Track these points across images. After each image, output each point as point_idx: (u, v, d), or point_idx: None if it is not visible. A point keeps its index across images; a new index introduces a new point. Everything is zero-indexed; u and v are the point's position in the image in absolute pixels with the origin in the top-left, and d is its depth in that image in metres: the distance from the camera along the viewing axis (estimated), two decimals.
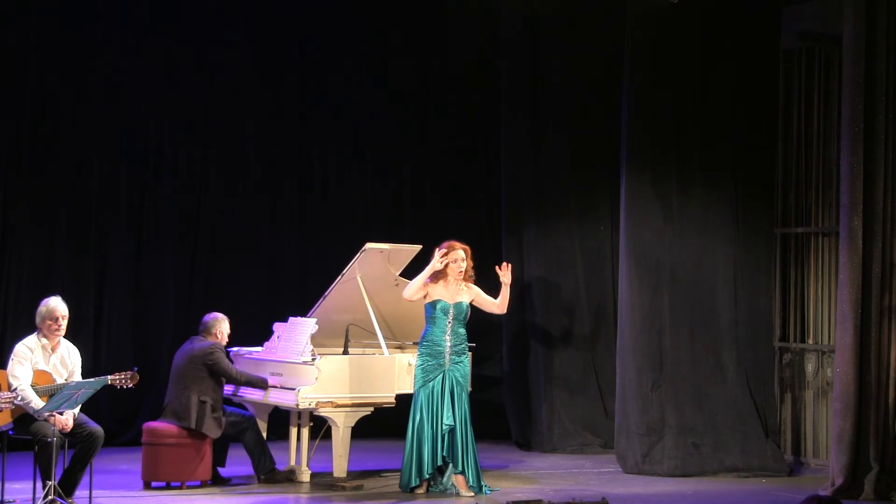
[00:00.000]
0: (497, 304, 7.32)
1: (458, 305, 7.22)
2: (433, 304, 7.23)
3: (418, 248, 7.97)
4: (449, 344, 7.17)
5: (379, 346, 7.72)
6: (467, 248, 7.23)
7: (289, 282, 9.96)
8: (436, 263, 7.14)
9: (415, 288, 7.21)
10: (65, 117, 9.24)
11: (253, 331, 8.43)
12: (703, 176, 8.58)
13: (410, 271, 7.75)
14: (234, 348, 7.95)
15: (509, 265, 7.31)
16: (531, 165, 9.74)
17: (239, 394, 7.82)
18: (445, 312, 7.19)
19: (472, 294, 7.30)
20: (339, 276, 7.84)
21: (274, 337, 7.94)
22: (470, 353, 7.41)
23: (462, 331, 7.25)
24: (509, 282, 7.25)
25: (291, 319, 7.85)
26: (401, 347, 8.21)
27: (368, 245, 7.75)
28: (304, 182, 10.15)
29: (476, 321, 7.67)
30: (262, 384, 7.63)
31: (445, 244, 7.23)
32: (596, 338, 9.63)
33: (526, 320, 9.69)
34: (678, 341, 8.47)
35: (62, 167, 9.26)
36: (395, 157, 10.40)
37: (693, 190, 8.58)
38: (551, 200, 9.69)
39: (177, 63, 9.61)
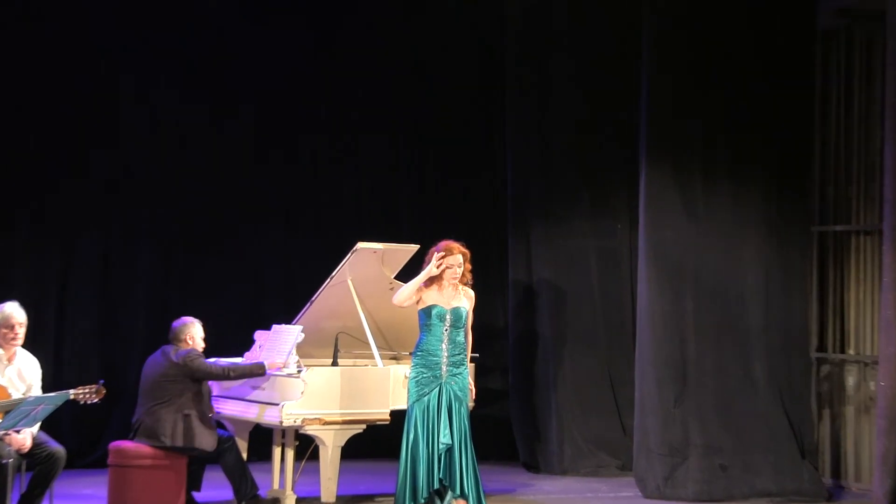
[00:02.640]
0: (466, 331, 7.26)
1: (455, 311, 7.16)
2: (427, 311, 7.16)
3: (415, 248, 7.96)
4: (446, 354, 7.12)
5: (372, 357, 7.72)
6: (466, 251, 7.19)
7: (272, 285, 9.98)
8: (432, 268, 7.10)
9: (407, 293, 7.15)
10: (25, 110, 9.34)
11: (233, 339, 8.45)
12: (731, 168, 8.58)
13: (406, 273, 7.73)
14: (212, 359, 7.89)
15: None
16: (539, 157, 9.78)
17: (217, 409, 7.84)
18: (442, 319, 7.14)
19: (470, 300, 7.26)
20: (328, 279, 7.82)
21: (255, 346, 7.95)
22: (471, 365, 7.39)
23: (460, 339, 7.18)
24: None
25: (275, 327, 7.84)
26: (396, 358, 8.19)
27: (360, 245, 7.74)
28: (291, 175, 10.17)
29: (478, 328, 7.63)
30: (259, 370, 7.57)
31: (442, 245, 7.18)
32: (612, 347, 9.64)
33: (534, 328, 9.70)
34: (703, 351, 8.48)
35: (18, 156, 9.29)
36: (391, 149, 10.46)
37: (720, 183, 8.58)
38: (562, 196, 9.71)
39: (151, 52, 9.73)
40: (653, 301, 8.53)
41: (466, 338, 7.24)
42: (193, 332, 7.58)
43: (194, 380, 7.44)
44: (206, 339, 7.68)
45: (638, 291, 8.82)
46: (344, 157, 10.37)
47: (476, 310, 7.30)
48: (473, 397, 7.35)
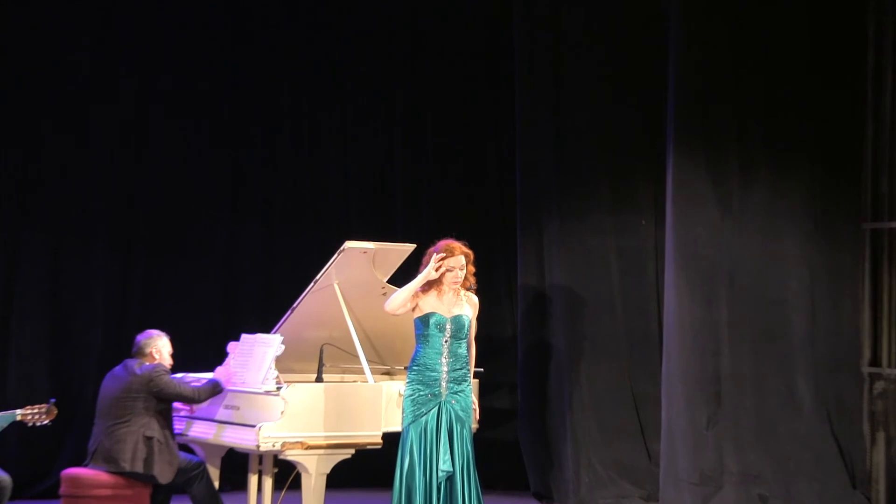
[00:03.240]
0: (469, 343, 7.26)
1: (456, 319, 7.11)
2: (425, 319, 7.12)
3: (411, 247, 7.95)
4: (446, 368, 7.08)
5: (361, 372, 7.71)
6: (469, 251, 7.17)
7: (248, 290, 9.95)
8: (430, 271, 7.07)
9: (402, 299, 7.11)
10: None
11: (202, 352, 8.44)
12: (771, 156, 8.57)
13: (401, 277, 7.69)
14: (179, 374, 7.94)
15: None
16: (553, 145, 9.76)
17: (188, 433, 7.86)
18: (441, 328, 7.09)
19: (473, 307, 7.23)
20: (312, 283, 7.82)
21: (228, 359, 7.92)
22: (475, 381, 7.36)
23: (462, 352, 7.13)
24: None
25: (250, 337, 7.85)
26: (389, 373, 8.17)
27: (349, 244, 7.72)
28: (269, 165, 10.17)
29: (482, 339, 7.62)
30: (217, 389, 7.62)
31: (442, 245, 7.15)
32: (636, 361, 9.61)
33: (547, 339, 9.67)
34: (740, 365, 8.46)
35: None
36: (384, 135, 10.43)
37: (759, 174, 8.57)
38: (578, 188, 9.69)
39: (109, 39, 9.80)
40: (682, 308, 8.49)
41: (469, 350, 7.21)
42: (160, 346, 7.62)
43: (160, 399, 7.46)
44: (172, 354, 7.71)
45: (665, 297, 8.79)
46: (330, 144, 10.38)
47: (480, 318, 7.28)
48: (477, 418, 7.34)
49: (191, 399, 7.59)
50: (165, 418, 7.51)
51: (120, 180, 9.77)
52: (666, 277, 8.72)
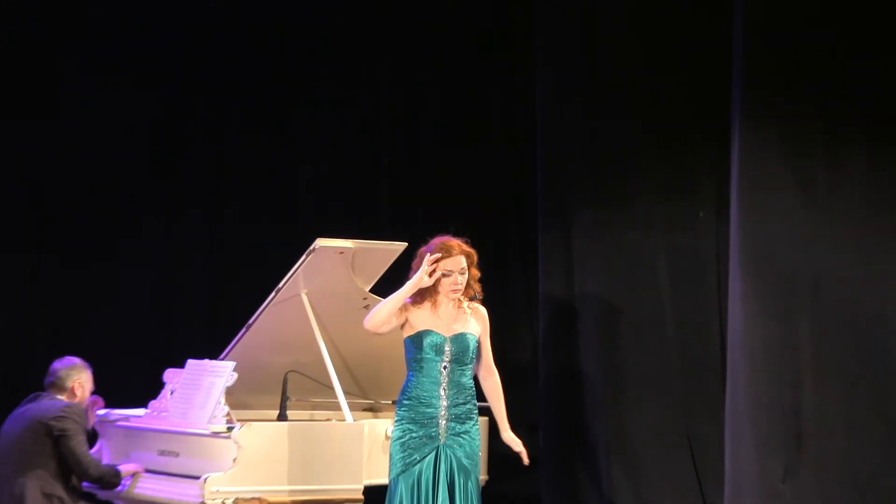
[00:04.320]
0: (488, 369, 7.33)
1: (458, 339, 7.09)
2: (417, 339, 7.09)
3: (401, 247, 8.05)
4: (445, 403, 7.05)
5: (337, 408, 7.82)
6: (471, 250, 7.14)
7: (192, 303, 10.07)
8: (423, 277, 7.01)
9: (385, 313, 7.05)
10: None
11: (131, 381, 8.63)
12: (865, 134, 8.54)
13: (389, 284, 7.61)
14: (102, 411, 8.07)
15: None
16: (583, 116, 9.77)
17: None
18: (438, 350, 7.06)
19: (481, 322, 7.23)
20: (274, 293, 7.90)
21: (165, 392, 8.02)
22: (483, 419, 7.40)
23: (467, 381, 7.12)
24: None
25: (196, 364, 7.92)
26: (373, 409, 8.37)
27: (321, 242, 7.79)
28: (217, 145, 10.29)
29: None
30: (116, 481, 7.72)
31: (437, 244, 7.10)
32: (691, 393, 9.62)
33: (576, 364, 9.72)
34: (827, 399, 8.40)
35: None
36: (369, 101, 10.53)
37: (850, 156, 8.53)
38: (617, 172, 9.71)
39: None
40: (751, 324, 8.50)
41: (490, 376, 7.26)
42: (84, 380, 7.79)
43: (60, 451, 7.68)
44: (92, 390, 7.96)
45: (729, 310, 8.77)
46: (298, 116, 10.46)
47: (491, 337, 7.30)
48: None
49: (83, 470, 7.65)
50: (70, 471, 7.61)
51: (22, 169, 9.97)
52: (730, 285, 8.72)
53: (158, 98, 10.31)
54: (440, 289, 7.07)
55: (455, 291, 7.08)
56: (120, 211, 10.11)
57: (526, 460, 7.36)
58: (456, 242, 7.13)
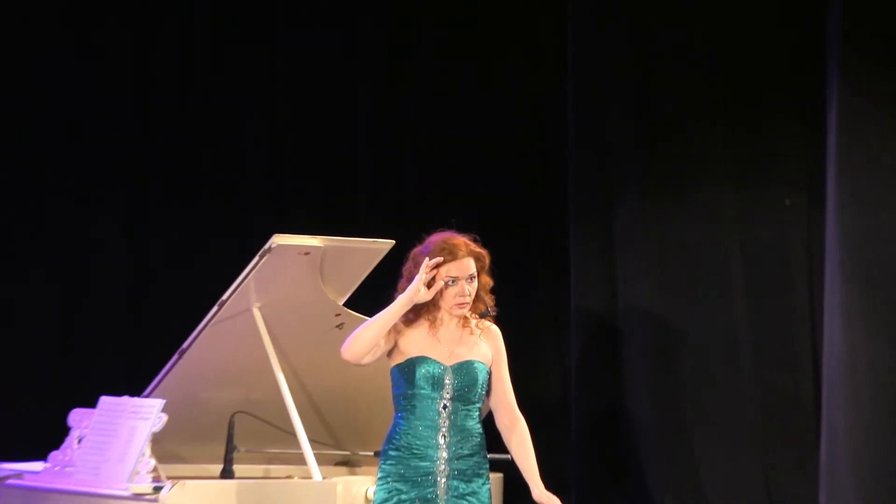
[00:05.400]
0: (509, 412, 7.09)
1: (463, 369, 6.80)
2: (408, 369, 6.82)
3: (387, 245, 8.05)
4: (445, 455, 6.84)
5: (301, 461, 7.75)
6: (482, 251, 6.91)
7: (107, 319, 10.15)
8: (419, 287, 6.79)
9: (370, 337, 6.80)
10: None
11: (26, 426, 9.16)
12: None
13: (371, 298, 7.36)
14: None
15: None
16: (627, 81, 9.96)
17: None
18: (436, 384, 6.81)
19: (494, 346, 6.97)
20: (217, 307, 7.81)
21: (71, 439, 7.96)
22: (496, 476, 7.37)
23: (474, 425, 6.85)
24: None
25: (112, 402, 7.83)
26: (349, 464, 8.45)
27: (278, 239, 7.70)
28: (143, 101, 10.44)
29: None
30: None
31: (436, 242, 6.88)
32: (774, 439, 9.63)
33: (620, 401, 9.93)
34: None
35: None
36: (348, 59, 10.71)
37: None
38: (675, 152, 9.82)
39: None
40: (855, 347, 8.66)
41: (514, 422, 7.00)
42: None
43: None
44: None
45: (826, 329, 8.85)
46: (252, 75, 10.61)
47: (508, 365, 7.01)
48: None
49: None
50: None
51: None
52: (826, 294, 8.86)
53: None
54: (441, 302, 6.86)
55: (461, 305, 6.84)
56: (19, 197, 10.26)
57: None
58: (462, 241, 6.90)
